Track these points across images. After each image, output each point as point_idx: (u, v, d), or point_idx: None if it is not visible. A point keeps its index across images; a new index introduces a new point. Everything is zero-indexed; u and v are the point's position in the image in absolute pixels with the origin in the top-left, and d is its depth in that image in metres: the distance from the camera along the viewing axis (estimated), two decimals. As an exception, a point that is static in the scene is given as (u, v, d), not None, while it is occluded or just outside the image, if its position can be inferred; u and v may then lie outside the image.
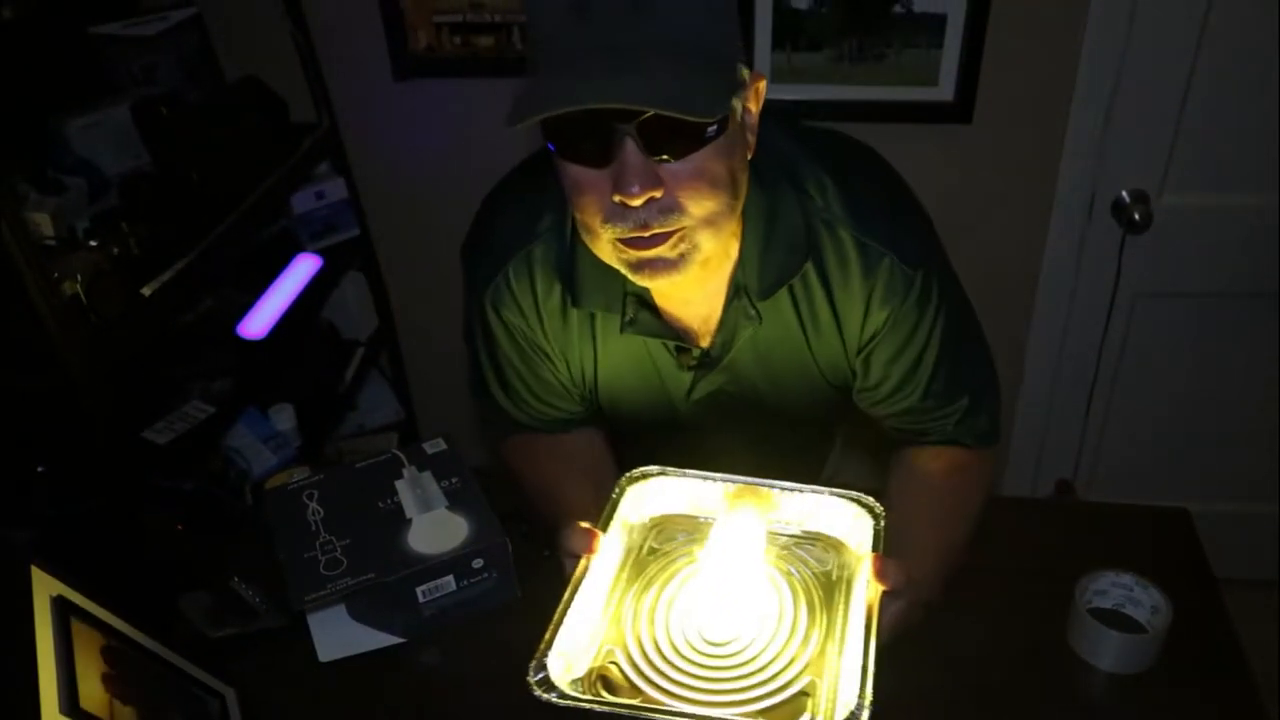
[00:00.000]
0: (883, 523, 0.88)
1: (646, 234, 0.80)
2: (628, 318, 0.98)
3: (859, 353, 1.00)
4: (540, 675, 0.76)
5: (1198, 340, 1.93)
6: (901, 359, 0.99)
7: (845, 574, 0.89)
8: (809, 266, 0.94)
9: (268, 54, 1.81)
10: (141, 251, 1.45)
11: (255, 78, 1.79)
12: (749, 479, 0.93)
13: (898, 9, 1.64)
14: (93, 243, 1.39)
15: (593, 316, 1.00)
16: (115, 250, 1.41)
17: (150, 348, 1.61)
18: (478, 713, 0.95)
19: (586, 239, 0.86)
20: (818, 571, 0.89)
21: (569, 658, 0.79)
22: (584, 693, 0.78)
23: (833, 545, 0.91)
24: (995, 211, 1.83)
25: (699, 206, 0.80)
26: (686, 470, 0.95)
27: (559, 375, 1.07)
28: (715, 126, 0.77)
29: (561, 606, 0.81)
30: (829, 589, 0.87)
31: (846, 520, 0.91)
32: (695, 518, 0.94)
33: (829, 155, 0.95)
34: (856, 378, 1.03)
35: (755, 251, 0.94)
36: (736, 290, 0.96)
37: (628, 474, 0.95)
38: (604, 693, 0.79)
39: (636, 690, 0.79)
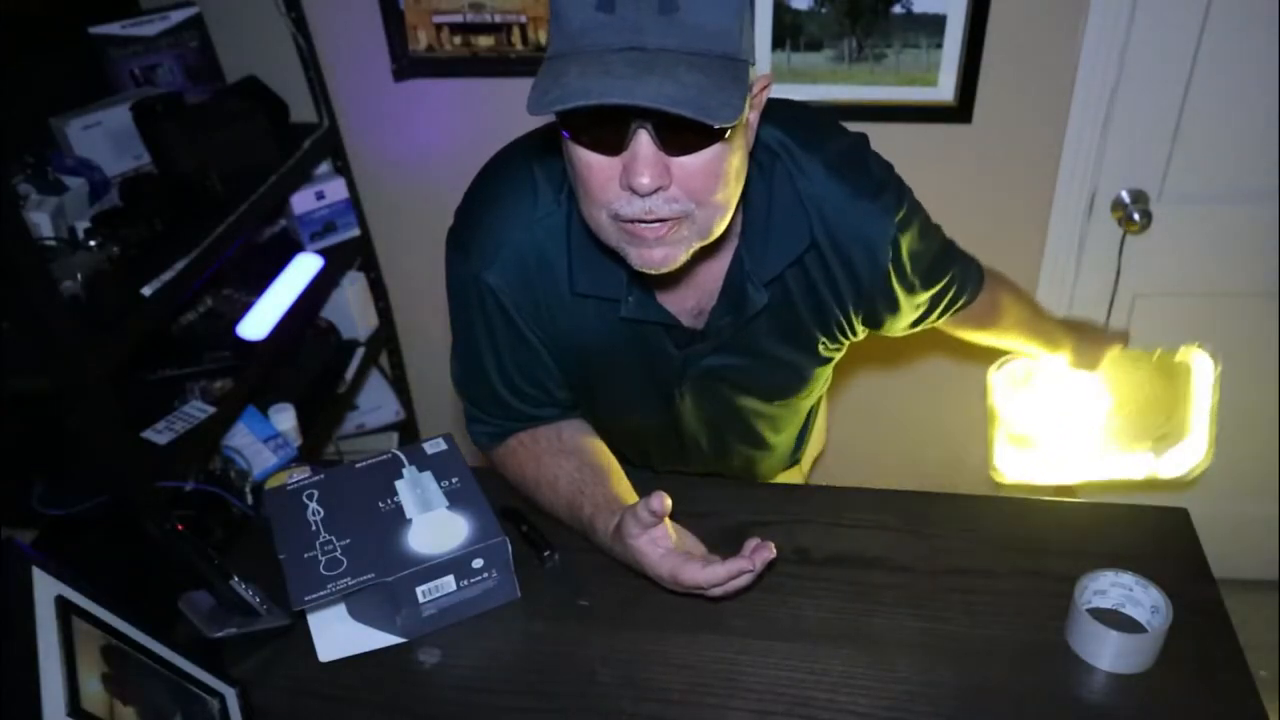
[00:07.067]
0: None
1: (650, 220, 0.83)
2: (625, 301, 0.99)
3: (871, 302, 1.04)
4: None
5: (1197, 340, 1.93)
6: (914, 288, 1.06)
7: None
8: (809, 238, 0.97)
9: (268, 54, 1.81)
10: (141, 251, 1.45)
11: (255, 78, 1.79)
12: None
13: (898, 9, 1.64)
14: (92, 243, 1.40)
15: (588, 300, 1.01)
16: (115, 250, 1.41)
17: (150, 348, 1.61)
18: (478, 713, 0.95)
19: (589, 220, 0.88)
20: None
21: None
22: None
23: None
24: (995, 211, 1.83)
25: (704, 198, 0.83)
26: None
27: (555, 357, 1.07)
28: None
29: None
30: None
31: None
32: None
33: (799, 128, 0.99)
34: (883, 319, 1.08)
35: (758, 234, 0.97)
36: (742, 273, 0.98)
37: None
38: None
39: None
